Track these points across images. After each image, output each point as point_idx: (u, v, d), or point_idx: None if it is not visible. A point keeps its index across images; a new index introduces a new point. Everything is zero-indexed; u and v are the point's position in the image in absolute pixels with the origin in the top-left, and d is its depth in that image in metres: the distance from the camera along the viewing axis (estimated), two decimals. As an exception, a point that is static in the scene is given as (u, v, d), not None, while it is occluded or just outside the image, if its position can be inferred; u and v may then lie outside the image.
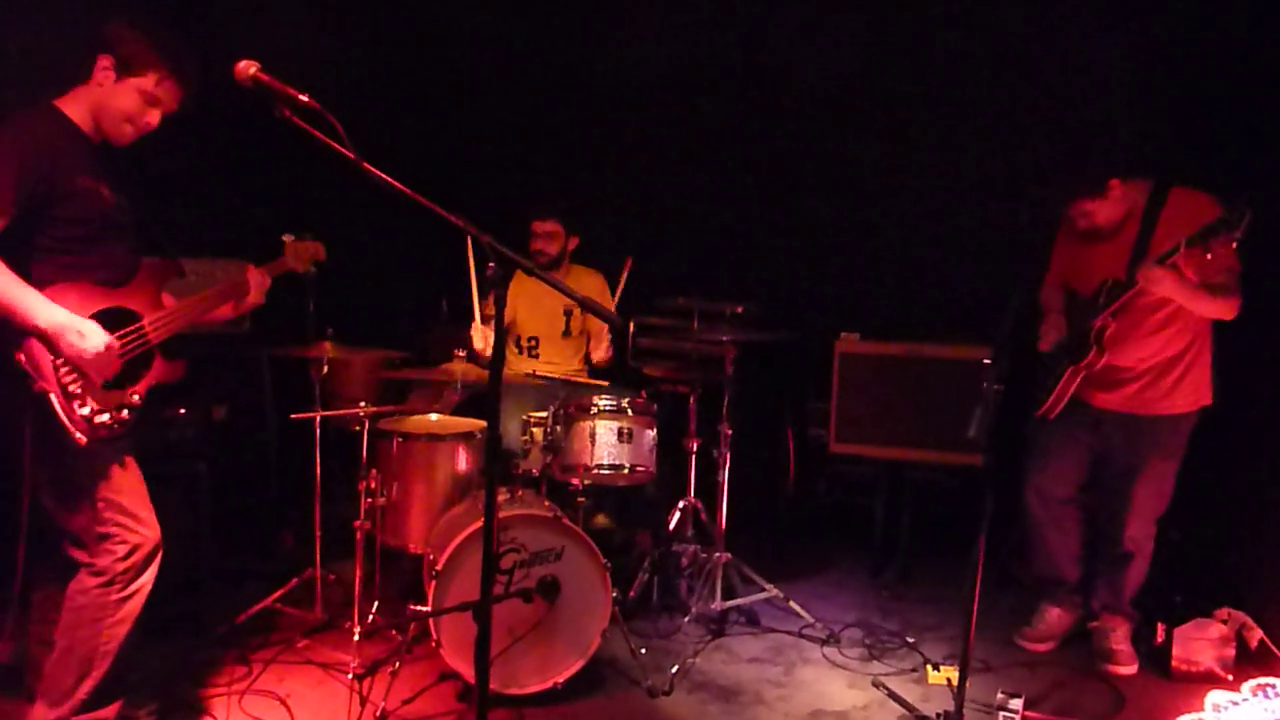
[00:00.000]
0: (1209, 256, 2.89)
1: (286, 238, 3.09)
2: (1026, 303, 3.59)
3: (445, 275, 5.70)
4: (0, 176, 2.18)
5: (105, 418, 2.31)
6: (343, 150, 2.01)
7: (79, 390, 2.26)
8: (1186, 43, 4.12)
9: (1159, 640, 3.40)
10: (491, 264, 1.93)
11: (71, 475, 2.33)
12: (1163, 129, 4.09)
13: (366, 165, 2.02)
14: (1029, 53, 4.61)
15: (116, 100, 2.40)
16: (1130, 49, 4.33)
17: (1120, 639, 3.42)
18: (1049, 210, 3.45)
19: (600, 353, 4.29)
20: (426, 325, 5.40)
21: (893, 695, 3.12)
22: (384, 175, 2.03)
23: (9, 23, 3.39)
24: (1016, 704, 2.91)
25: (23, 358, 2.19)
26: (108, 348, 2.29)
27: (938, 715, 2.92)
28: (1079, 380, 3.34)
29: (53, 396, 2.21)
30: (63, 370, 2.24)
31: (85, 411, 2.26)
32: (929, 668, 3.33)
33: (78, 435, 2.23)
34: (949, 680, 3.22)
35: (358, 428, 3.53)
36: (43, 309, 2.19)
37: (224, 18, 4.20)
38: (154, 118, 2.47)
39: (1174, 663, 3.32)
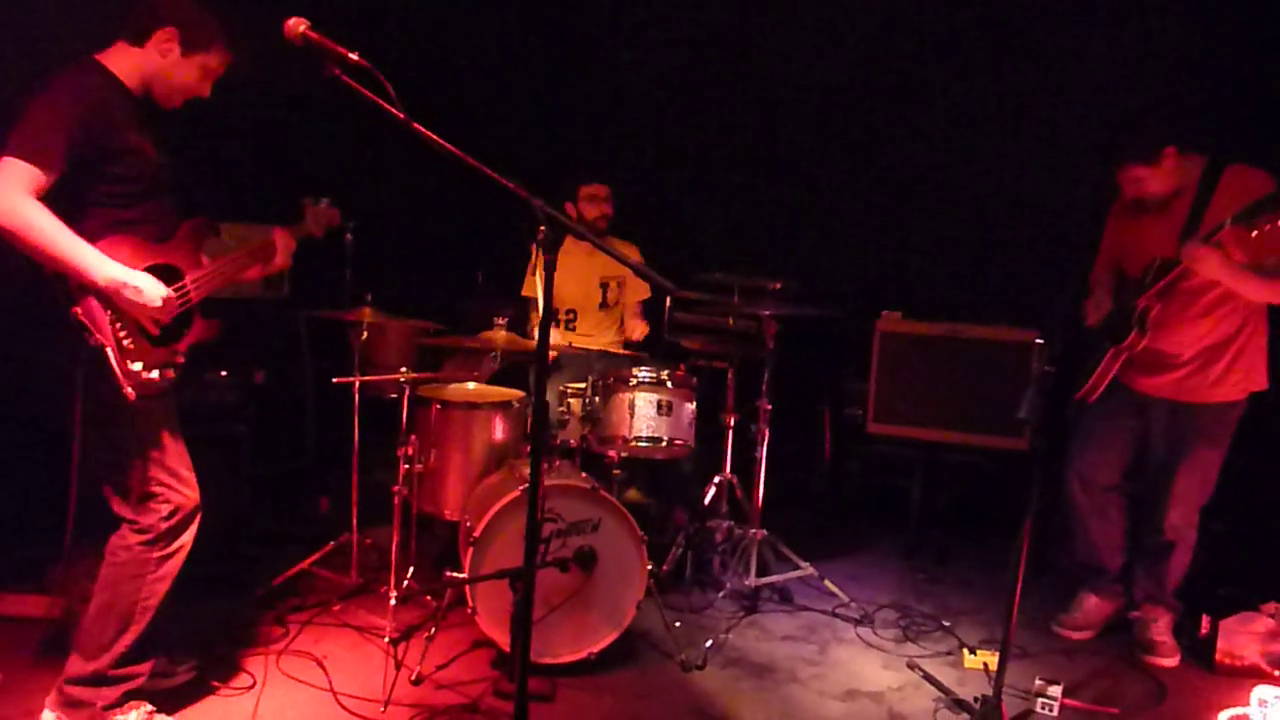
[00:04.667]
0: (1254, 235, 2.78)
1: (306, 201, 3.08)
2: (1080, 285, 3.52)
3: (481, 247, 5.73)
4: (51, 132, 2.18)
5: (155, 374, 2.33)
6: (392, 110, 2.00)
7: (131, 346, 2.28)
8: (1246, 17, 3.99)
9: (1203, 632, 3.34)
10: (542, 228, 1.90)
11: (120, 433, 2.36)
12: (1219, 106, 3.98)
13: (416, 125, 2.00)
14: (1081, 27, 4.50)
15: (179, 74, 2.43)
16: (1186, 23, 4.21)
17: (1162, 630, 3.36)
18: (1101, 179, 3.34)
19: (637, 332, 4.25)
20: (462, 296, 5.41)
21: (928, 677, 3.09)
22: (434, 136, 2.01)
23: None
24: (1055, 691, 2.88)
25: (80, 312, 2.20)
26: (165, 300, 2.30)
27: (975, 699, 2.88)
28: (1120, 363, 3.27)
29: (109, 351, 2.22)
30: (118, 326, 2.25)
31: (137, 367, 2.28)
32: (965, 651, 3.30)
33: (128, 390, 2.24)
34: (985, 664, 3.20)
35: (394, 395, 3.53)
36: (100, 265, 2.20)
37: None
38: (207, 88, 2.52)
39: (1218, 656, 3.26)
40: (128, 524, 2.41)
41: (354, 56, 2.01)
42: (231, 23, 2.47)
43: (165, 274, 2.40)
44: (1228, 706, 2.96)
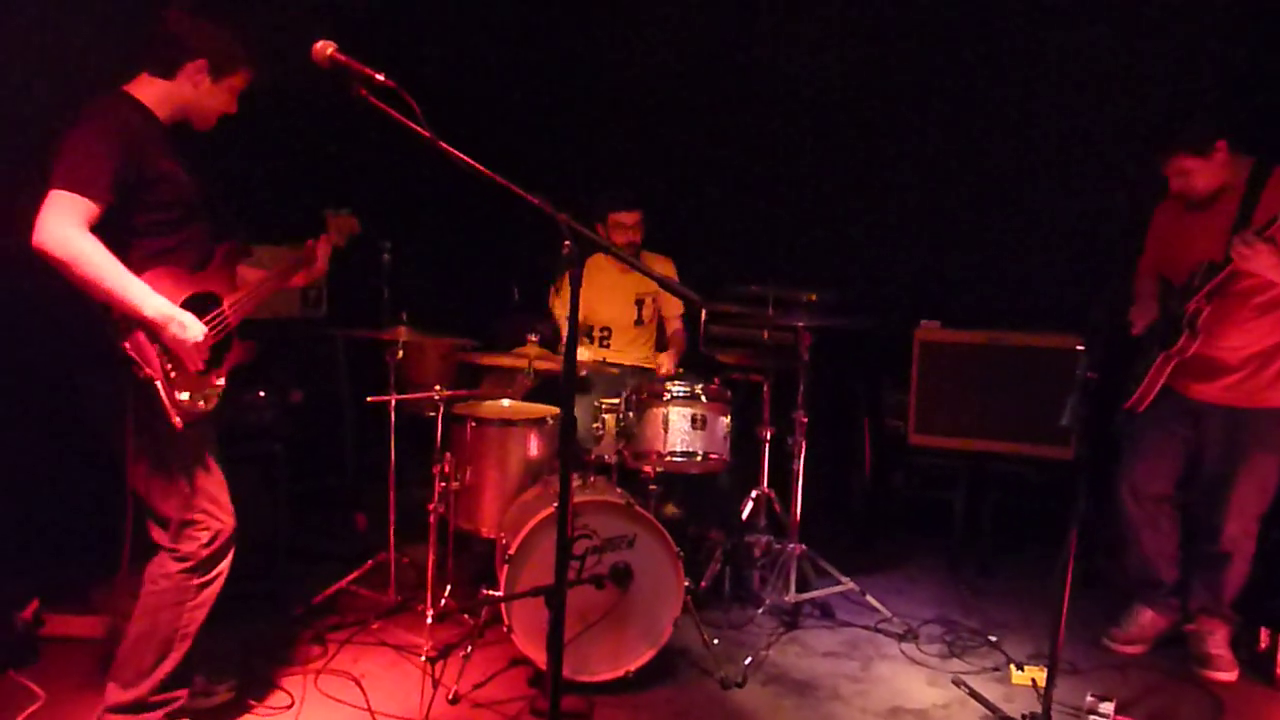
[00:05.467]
0: None
1: (328, 212, 3.10)
2: (1122, 289, 3.43)
3: (517, 262, 5.75)
4: (98, 163, 2.21)
5: (201, 403, 2.37)
6: (419, 130, 2.00)
7: (177, 377, 2.31)
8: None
9: (1262, 646, 3.23)
10: (567, 243, 1.89)
11: (167, 461, 2.39)
12: (1264, 106, 3.87)
13: (443, 144, 2.00)
14: (1123, 29, 4.41)
15: (212, 101, 2.48)
16: (1229, 22, 4.11)
17: (1219, 643, 3.25)
18: (1146, 173, 3.25)
19: (667, 365, 4.16)
20: (498, 311, 5.43)
21: (975, 694, 3.01)
22: (460, 154, 2.01)
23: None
24: (1107, 708, 2.79)
25: (129, 346, 2.24)
26: (205, 337, 2.34)
27: (1023, 716, 2.80)
28: (1170, 369, 3.18)
29: (158, 383, 2.26)
30: (164, 358, 2.29)
31: (184, 397, 2.32)
32: (1012, 667, 3.21)
33: (176, 420, 2.28)
34: (1033, 680, 3.11)
35: (431, 412, 3.58)
36: (149, 299, 2.23)
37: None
38: (235, 104, 2.56)
39: (1279, 670, 3.14)
40: (167, 552, 2.43)
41: (380, 77, 2.03)
42: (252, 40, 2.50)
43: (204, 302, 2.43)
44: (1290, 724, 2.85)
